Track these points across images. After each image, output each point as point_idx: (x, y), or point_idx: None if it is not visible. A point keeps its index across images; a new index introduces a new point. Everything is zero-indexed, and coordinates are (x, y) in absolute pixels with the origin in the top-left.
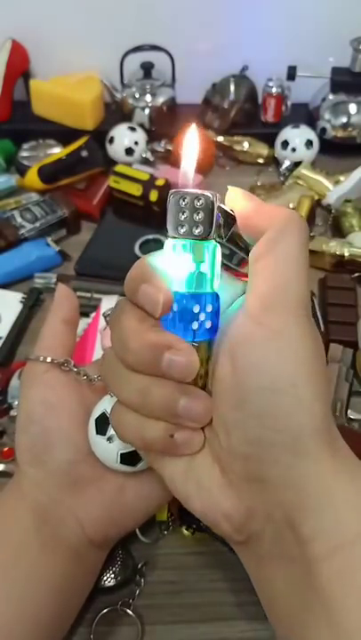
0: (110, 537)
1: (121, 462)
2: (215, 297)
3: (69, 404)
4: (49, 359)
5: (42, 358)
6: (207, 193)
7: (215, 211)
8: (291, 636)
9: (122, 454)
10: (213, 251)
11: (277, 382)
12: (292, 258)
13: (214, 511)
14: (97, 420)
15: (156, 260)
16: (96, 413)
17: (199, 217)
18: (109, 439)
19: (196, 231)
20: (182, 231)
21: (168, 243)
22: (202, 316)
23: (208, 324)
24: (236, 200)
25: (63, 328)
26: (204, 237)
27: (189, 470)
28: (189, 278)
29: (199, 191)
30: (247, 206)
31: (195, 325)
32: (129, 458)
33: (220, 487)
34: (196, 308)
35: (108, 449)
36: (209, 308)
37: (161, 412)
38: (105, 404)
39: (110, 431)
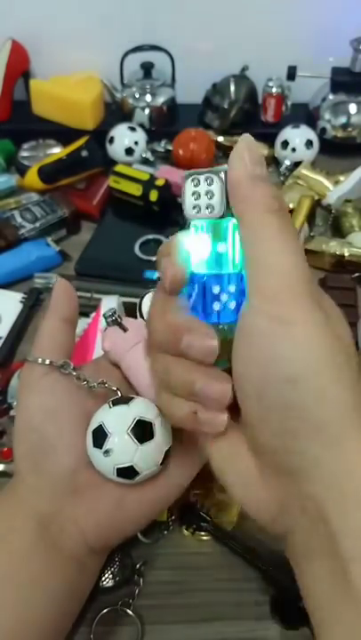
0: (111, 543)
1: (118, 476)
2: (239, 277)
3: (69, 410)
4: (47, 361)
5: (40, 360)
6: (219, 172)
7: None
8: (323, 628)
9: (118, 469)
10: (234, 229)
11: (296, 373)
12: (284, 243)
13: (252, 502)
14: (94, 432)
15: (182, 238)
16: (93, 425)
17: (211, 198)
18: (106, 452)
19: (209, 211)
20: (197, 212)
21: (191, 224)
22: (224, 297)
23: (232, 305)
24: (236, 160)
25: (62, 327)
26: (220, 217)
27: (231, 459)
28: (209, 259)
29: (211, 170)
30: (240, 175)
31: (216, 306)
32: (126, 472)
33: (257, 478)
34: (217, 289)
35: (105, 462)
36: (232, 289)
37: (182, 391)
38: (102, 416)
39: (107, 444)
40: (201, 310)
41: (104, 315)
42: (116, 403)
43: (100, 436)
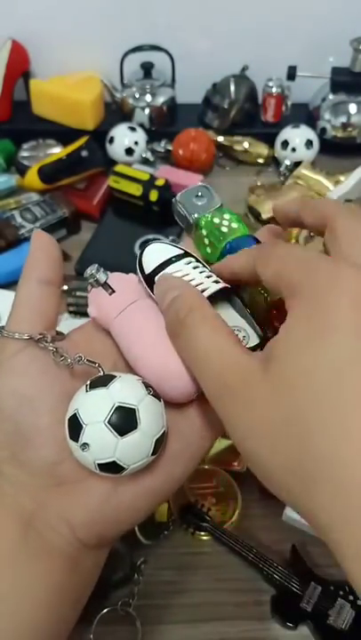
0: (107, 538)
1: (101, 471)
2: (250, 237)
3: (48, 392)
4: (26, 335)
5: (17, 335)
6: (199, 184)
7: (212, 191)
8: None
9: (99, 464)
10: (223, 211)
11: None
12: None
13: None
14: (69, 422)
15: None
16: (69, 412)
17: (205, 195)
18: (83, 446)
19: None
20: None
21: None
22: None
23: None
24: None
25: (41, 291)
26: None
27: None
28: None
29: (195, 185)
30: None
31: None
32: (109, 467)
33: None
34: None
35: (84, 457)
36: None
37: None
38: (78, 402)
39: (83, 437)
40: None
41: (85, 276)
42: (93, 385)
43: (75, 427)
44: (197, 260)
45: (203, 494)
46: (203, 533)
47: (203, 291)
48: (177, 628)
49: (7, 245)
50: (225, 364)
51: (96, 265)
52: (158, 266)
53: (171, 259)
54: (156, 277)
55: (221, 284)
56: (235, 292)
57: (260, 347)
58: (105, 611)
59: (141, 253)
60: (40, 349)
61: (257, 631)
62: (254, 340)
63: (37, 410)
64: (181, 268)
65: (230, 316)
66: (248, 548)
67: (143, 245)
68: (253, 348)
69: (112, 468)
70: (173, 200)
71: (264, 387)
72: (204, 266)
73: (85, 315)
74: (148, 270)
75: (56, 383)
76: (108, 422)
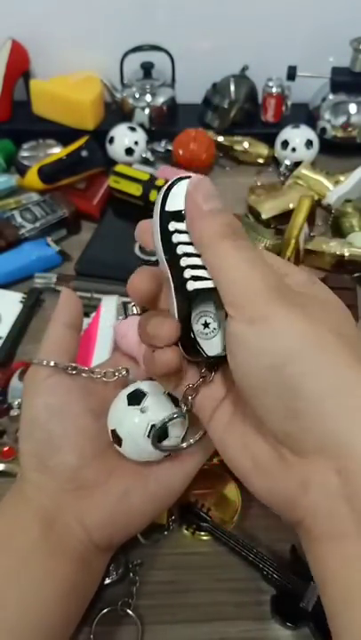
0: (115, 541)
1: (148, 436)
2: None
3: (74, 409)
4: (52, 363)
5: (45, 362)
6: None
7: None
8: (345, 615)
9: (152, 425)
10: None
11: (281, 360)
12: (240, 260)
13: (269, 488)
14: (130, 396)
15: None
16: (127, 390)
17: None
18: (142, 410)
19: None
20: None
21: None
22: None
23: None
24: (188, 203)
25: (66, 332)
26: None
27: (245, 448)
28: None
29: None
30: (194, 215)
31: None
32: (157, 433)
33: (274, 464)
34: None
35: (139, 419)
36: None
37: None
38: (135, 386)
39: (145, 402)
40: None
41: (127, 305)
42: (131, 401)
43: (136, 397)
44: None
45: (203, 494)
46: (203, 533)
47: (200, 279)
48: (177, 628)
49: (7, 245)
50: (272, 277)
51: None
52: (180, 211)
53: None
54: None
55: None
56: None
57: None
58: (105, 611)
59: (171, 185)
60: (66, 375)
61: (257, 631)
62: (217, 348)
63: (65, 421)
64: None
65: (215, 315)
66: (248, 548)
67: (181, 178)
68: (211, 357)
69: (160, 433)
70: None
71: (306, 296)
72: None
73: (85, 315)
74: (170, 207)
75: (81, 401)
76: (167, 395)
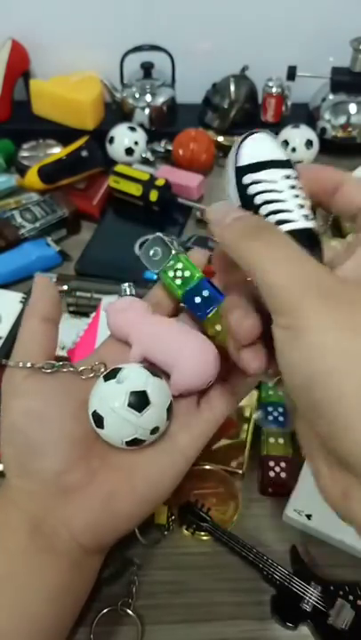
0: (104, 543)
1: (128, 405)
2: (202, 282)
3: (55, 412)
4: (28, 364)
5: (21, 364)
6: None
7: (165, 240)
8: None
9: (132, 392)
10: (177, 259)
11: (311, 378)
12: (274, 261)
13: (327, 492)
14: (106, 375)
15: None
16: (103, 378)
17: (157, 252)
18: (119, 381)
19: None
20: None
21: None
22: (198, 300)
23: (206, 294)
24: (213, 227)
25: (42, 328)
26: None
27: (317, 452)
28: (181, 283)
29: (149, 240)
30: (219, 233)
31: (198, 300)
32: (138, 399)
33: (326, 470)
34: (198, 299)
35: (117, 390)
36: (205, 293)
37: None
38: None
39: (121, 374)
40: (195, 310)
41: (122, 286)
42: (107, 377)
43: (113, 372)
44: (296, 178)
45: (203, 494)
46: (203, 533)
47: (290, 221)
48: (177, 628)
49: (7, 245)
50: (309, 267)
51: (130, 283)
52: (256, 163)
53: (273, 161)
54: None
55: (312, 223)
56: (319, 238)
57: None
58: (105, 611)
59: (243, 140)
60: (44, 375)
61: (257, 631)
62: None
63: (46, 425)
64: (278, 180)
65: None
66: (248, 548)
67: (250, 133)
68: None
69: (141, 399)
70: (156, 236)
71: (349, 287)
72: (301, 189)
73: (85, 315)
74: (243, 162)
75: (62, 402)
76: (144, 366)
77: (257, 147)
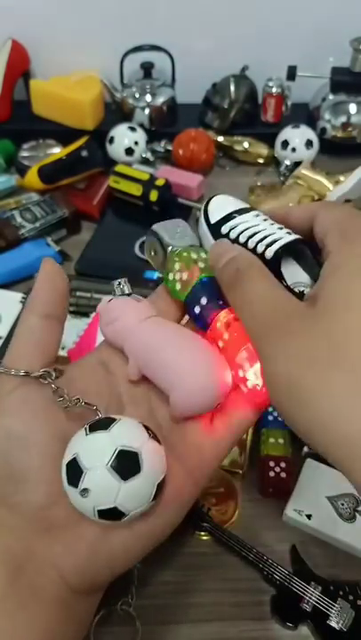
0: (98, 583)
1: (100, 517)
2: (199, 286)
3: (42, 433)
4: (22, 372)
5: (13, 371)
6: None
7: (159, 235)
8: None
9: (99, 510)
10: (177, 257)
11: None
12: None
13: None
14: (68, 466)
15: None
16: (67, 456)
17: (157, 250)
18: (83, 492)
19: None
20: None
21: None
22: (197, 309)
23: (204, 301)
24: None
25: (43, 325)
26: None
27: None
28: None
29: (175, 220)
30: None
31: (197, 309)
32: (109, 514)
33: None
34: (197, 309)
35: (83, 503)
36: (203, 301)
37: None
38: (77, 445)
39: (83, 483)
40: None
41: (114, 283)
42: (93, 428)
43: (75, 472)
44: (264, 214)
45: (203, 494)
46: (203, 533)
47: (275, 241)
48: (177, 628)
49: (7, 245)
50: (275, 305)
51: (124, 279)
52: (226, 216)
53: (240, 209)
54: (222, 232)
55: (295, 236)
56: (308, 245)
57: None
58: (105, 611)
59: (207, 203)
60: (36, 387)
61: (257, 631)
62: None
63: (29, 451)
64: (250, 219)
65: (295, 271)
66: (248, 548)
67: (210, 198)
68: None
69: (113, 514)
70: (150, 230)
71: (309, 318)
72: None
73: (85, 315)
74: (214, 220)
75: (49, 424)
76: (111, 466)
77: (221, 204)
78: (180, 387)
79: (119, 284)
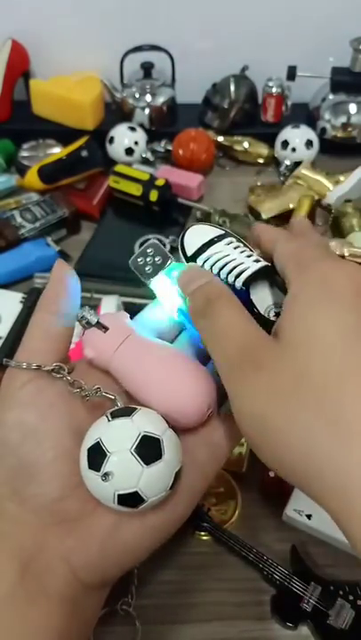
0: (108, 578)
1: (119, 504)
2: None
3: (55, 426)
4: (34, 365)
5: (25, 365)
6: (149, 242)
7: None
8: None
9: (119, 495)
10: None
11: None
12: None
13: None
14: (89, 451)
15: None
16: (89, 441)
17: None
18: (105, 476)
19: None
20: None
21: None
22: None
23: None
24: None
25: (56, 322)
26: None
27: None
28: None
29: (144, 245)
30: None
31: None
32: (129, 499)
33: None
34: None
35: (103, 488)
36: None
37: None
38: (99, 431)
39: (106, 466)
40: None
41: (77, 319)
42: (115, 415)
43: (96, 456)
44: (238, 240)
45: (203, 494)
46: (203, 533)
47: (244, 270)
48: (177, 628)
49: (7, 245)
50: (244, 339)
51: (86, 307)
52: (200, 247)
53: (213, 239)
54: (186, 267)
55: (262, 263)
56: (275, 270)
57: None
58: (105, 611)
59: (183, 236)
60: (49, 381)
61: (257, 631)
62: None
63: (42, 443)
64: (222, 249)
65: (267, 295)
66: (248, 548)
67: (185, 230)
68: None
69: (132, 499)
70: (129, 264)
71: (276, 351)
72: (245, 245)
73: None
74: (190, 252)
75: (63, 416)
76: (135, 450)
77: (195, 235)
78: (168, 408)
79: (82, 317)
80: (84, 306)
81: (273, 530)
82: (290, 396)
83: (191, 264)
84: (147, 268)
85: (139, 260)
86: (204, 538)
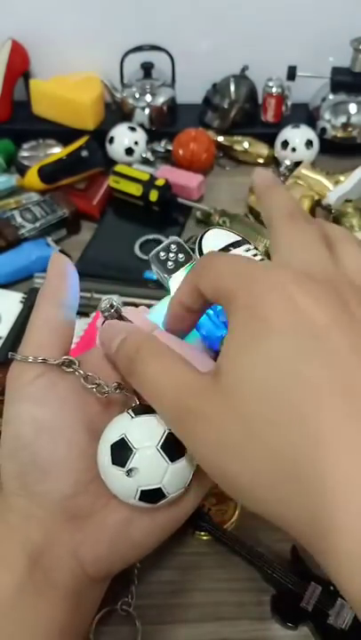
0: (113, 571)
1: (140, 499)
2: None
3: (68, 423)
4: (40, 358)
5: (31, 359)
6: (172, 238)
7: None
8: None
9: (143, 491)
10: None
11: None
12: None
13: None
14: (114, 447)
15: None
16: (113, 436)
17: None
18: (130, 472)
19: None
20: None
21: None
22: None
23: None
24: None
25: (59, 315)
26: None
27: None
28: None
29: (168, 240)
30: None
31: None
32: (151, 495)
33: None
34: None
35: (126, 483)
36: (203, 331)
37: None
38: (124, 427)
39: (132, 462)
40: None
41: (101, 309)
42: (139, 412)
43: (121, 452)
44: (255, 248)
45: None
46: (203, 533)
47: None
48: (177, 627)
49: (7, 245)
50: (179, 389)
51: (114, 297)
52: (222, 249)
53: (232, 244)
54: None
55: None
56: None
57: None
58: (105, 611)
59: (201, 238)
60: (59, 375)
61: (257, 631)
62: None
63: (56, 440)
64: (240, 254)
65: None
66: (248, 548)
67: (204, 232)
68: None
69: (155, 495)
70: (149, 257)
71: (216, 399)
72: (262, 254)
73: (85, 314)
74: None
75: (76, 411)
76: (161, 447)
77: (215, 238)
78: None
79: (111, 306)
80: (110, 297)
81: (273, 530)
82: (241, 447)
83: (108, 322)
84: (169, 264)
85: (161, 254)
86: (204, 538)
